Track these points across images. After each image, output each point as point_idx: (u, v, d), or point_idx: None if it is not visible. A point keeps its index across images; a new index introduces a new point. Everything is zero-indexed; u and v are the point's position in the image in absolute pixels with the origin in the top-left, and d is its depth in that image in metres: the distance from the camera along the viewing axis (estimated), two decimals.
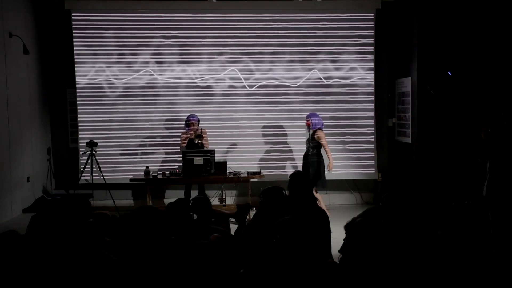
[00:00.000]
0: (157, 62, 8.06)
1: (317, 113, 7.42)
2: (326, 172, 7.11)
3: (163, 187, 8.24)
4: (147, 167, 7.40)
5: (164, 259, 2.81)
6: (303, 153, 7.33)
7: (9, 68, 7.21)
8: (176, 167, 7.78)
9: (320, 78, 8.19)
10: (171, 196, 8.15)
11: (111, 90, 8.06)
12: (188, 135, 7.31)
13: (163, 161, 8.09)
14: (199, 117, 7.54)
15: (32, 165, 7.80)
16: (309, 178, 4.86)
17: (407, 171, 7.90)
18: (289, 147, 8.16)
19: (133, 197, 8.27)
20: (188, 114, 7.52)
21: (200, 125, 7.49)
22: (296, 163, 8.07)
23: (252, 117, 8.18)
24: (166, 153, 8.12)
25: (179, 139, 7.61)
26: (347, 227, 2.80)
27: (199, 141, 7.21)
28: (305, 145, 7.18)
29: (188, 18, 8.07)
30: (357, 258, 2.64)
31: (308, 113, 7.42)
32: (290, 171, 7.75)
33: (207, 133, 7.53)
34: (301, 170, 7.18)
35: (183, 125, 7.67)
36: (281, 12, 8.12)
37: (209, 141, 7.55)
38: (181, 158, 7.19)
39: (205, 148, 7.32)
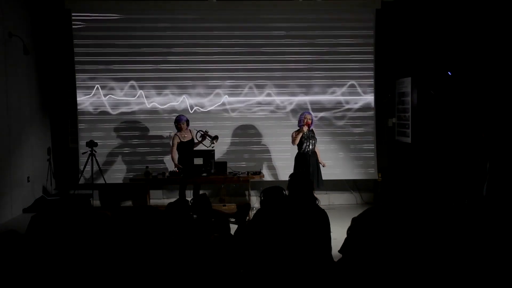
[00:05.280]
0: (157, 61, 8.06)
1: (317, 113, 7.40)
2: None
3: (163, 187, 8.25)
4: (147, 167, 7.40)
5: (164, 259, 2.81)
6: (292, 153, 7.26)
7: (9, 68, 7.21)
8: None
9: (320, 78, 8.19)
10: (171, 196, 8.15)
11: (111, 90, 8.06)
12: (196, 140, 7.30)
13: (163, 161, 8.08)
14: (200, 116, 7.57)
15: (32, 165, 7.80)
16: (310, 178, 4.85)
17: (407, 171, 7.90)
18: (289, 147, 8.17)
19: (133, 197, 8.27)
20: (177, 115, 7.44)
21: (189, 123, 7.44)
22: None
23: (252, 116, 8.18)
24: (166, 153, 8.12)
25: (170, 142, 7.48)
26: (354, 223, 2.79)
27: (214, 142, 7.22)
28: (304, 144, 7.02)
29: (188, 18, 8.07)
30: (358, 258, 2.64)
31: (303, 112, 7.29)
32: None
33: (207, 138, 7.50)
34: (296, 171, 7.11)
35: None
36: (281, 12, 8.12)
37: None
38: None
39: (195, 147, 7.32)
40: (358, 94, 8.24)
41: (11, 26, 7.29)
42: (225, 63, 8.10)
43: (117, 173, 8.03)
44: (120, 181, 7.99)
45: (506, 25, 6.64)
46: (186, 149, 7.22)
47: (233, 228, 4.41)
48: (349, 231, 2.83)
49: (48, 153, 8.31)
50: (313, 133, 7.08)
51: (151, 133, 8.12)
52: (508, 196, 5.26)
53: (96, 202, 7.70)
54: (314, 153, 7.01)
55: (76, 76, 8.00)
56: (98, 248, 2.91)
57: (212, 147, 7.27)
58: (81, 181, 7.88)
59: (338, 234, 3.69)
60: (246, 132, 8.18)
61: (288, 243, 3.42)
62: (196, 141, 7.36)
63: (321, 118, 8.13)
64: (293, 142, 6.97)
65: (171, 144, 7.35)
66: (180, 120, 7.28)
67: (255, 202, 7.91)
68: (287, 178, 4.15)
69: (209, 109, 8.10)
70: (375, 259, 2.58)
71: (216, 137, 7.26)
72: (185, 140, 7.28)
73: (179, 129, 7.28)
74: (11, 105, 7.25)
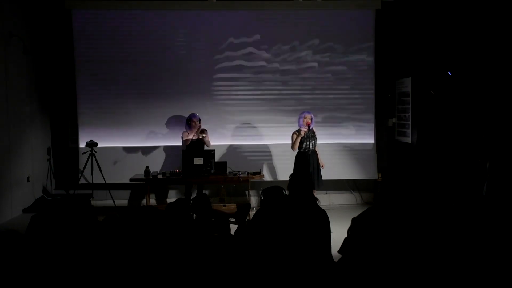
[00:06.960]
0: (157, 61, 8.06)
1: (317, 113, 7.38)
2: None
3: (163, 187, 8.24)
4: (147, 167, 7.39)
5: (164, 259, 2.81)
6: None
7: (9, 68, 7.21)
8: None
9: (320, 78, 8.19)
10: (171, 196, 8.16)
11: (112, 89, 8.05)
12: (192, 138, 7.30)
13: (162, 161, 8.08)
14: (200, 115, 7.57)
15: (32, 165, 7.80)
16: (310, 179, 4.85)
17: (407, 171, 7.90)
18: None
19: (133, 197, 8.26)
20: (190, 113, 7.51)
21: (201, 124, 7.48)
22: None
23: (252, 116, 8.18)
24: (166, 153, 8.11)
25: (181, 139, 7.55)
26: (354, 223, 2.79)
27: (203, 136, 7.21)
28: (304, 144, 6.95)
29: (188, 18, 8.07)
30: (358, 258, 2.64)
31: (302, 112, 7.23)
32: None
33: (208, 133, 7.51)
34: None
35: (183, 124, 7.68)
36: (280, 11, 8.12)
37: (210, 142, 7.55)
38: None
39: (205, 148, 7.32)
40: (358, 94, 8.24)
41: (11, 26, 7.29)
42: (225, 62, 8.10)
43: (117, 173, 8.02)
44: (120, 181, 7.98)
45: (506, 25, 6.64)
46: (194, 148, 7.23)
47: (233, 228, 4.41)
48: (349, 231, 2.83)
49: (48, 153, 8.31)
50: (313, 132, 7.06)
51: (151, 132, 8.11)
52: (508, 196, 5.26)
53: (96, 202, 7.69)
54: (314, 152, 7.00)
55: (76, 76, 8.01)
56: (98, 248, 2.91)
57: (202, 138, 7.28)
58: (81, 181, 7.88)
59: (338, 234, 3.70)
60: (246, 132, 8.17)
61: (288, 243, 3.42)
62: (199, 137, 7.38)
63: (321, 118, 8.13)
64: (292, 147, 6.98)
65: (184, 141, 7.35)
66: (194, 116, 7.31)
67: (255, 202, 7.91)
68: (287, 178, 4.15)
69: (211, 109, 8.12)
70: (375, 259, 2.58)
71: (203, 131, 7.29)
72: (195, 138, 7.31)
73: (191, 126, 7.30)
74: (11, 105, 7.25)
